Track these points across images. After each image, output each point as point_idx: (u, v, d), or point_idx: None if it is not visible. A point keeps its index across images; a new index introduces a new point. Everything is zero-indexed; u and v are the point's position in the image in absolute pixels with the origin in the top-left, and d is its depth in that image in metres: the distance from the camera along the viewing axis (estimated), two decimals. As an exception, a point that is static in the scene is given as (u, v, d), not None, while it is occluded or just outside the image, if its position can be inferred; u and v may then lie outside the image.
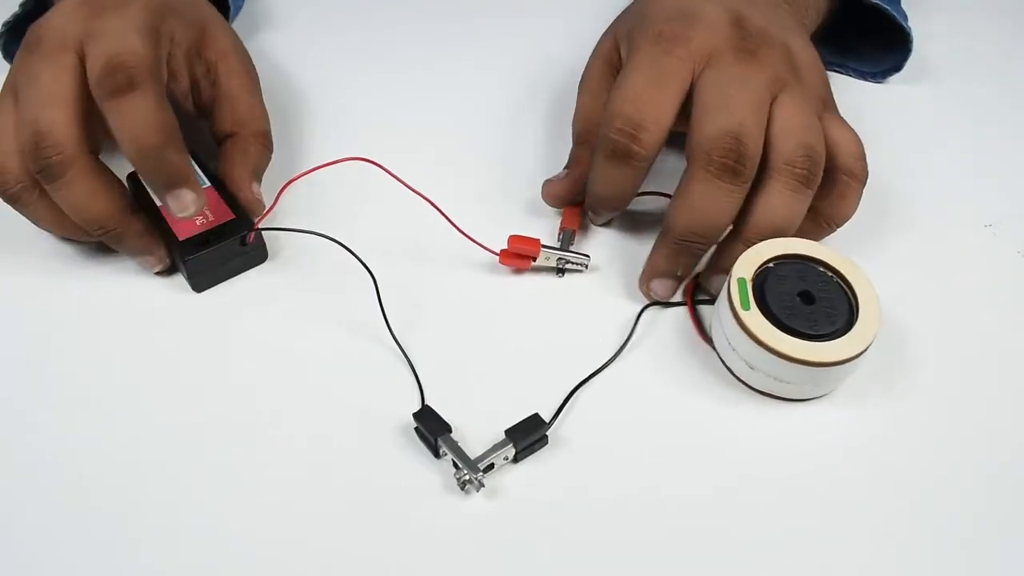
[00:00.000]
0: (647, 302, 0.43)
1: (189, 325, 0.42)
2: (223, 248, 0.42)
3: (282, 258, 0.45)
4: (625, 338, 0.41)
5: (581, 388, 0.39)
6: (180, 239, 0.42)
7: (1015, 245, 0.46)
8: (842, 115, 0.44)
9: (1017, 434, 0.39)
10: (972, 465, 0.38)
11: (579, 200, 0.46)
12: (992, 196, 0.49)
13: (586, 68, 0.47)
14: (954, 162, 0.51)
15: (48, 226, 0.41)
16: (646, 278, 0.43)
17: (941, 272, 0.45)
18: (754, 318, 0.37)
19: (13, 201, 0.40)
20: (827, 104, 0.44)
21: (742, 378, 0.39)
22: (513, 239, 0.42)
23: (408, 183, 0.43)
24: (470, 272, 0.44)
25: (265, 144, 0.47)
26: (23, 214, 0.41)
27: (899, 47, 0.55)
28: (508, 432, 0.36)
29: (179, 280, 0.43)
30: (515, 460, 0.37)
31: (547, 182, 0.46)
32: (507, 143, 0.50)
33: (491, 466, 0.36)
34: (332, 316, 0.42)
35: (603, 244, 0.46)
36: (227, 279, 0.44)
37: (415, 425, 0.37)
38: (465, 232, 0.42)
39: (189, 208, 0.39)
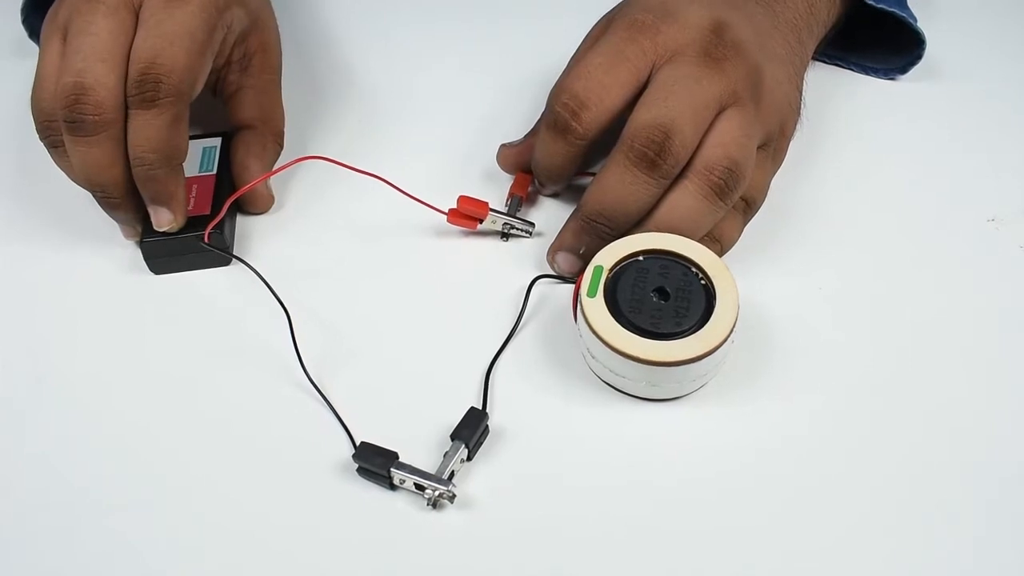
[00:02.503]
0: (539, 275, 0.42)
1: (127, 305, 0.42)
2: (179, 241, 0.42)
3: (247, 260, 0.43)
4: (519, 312, 0.41)
5: (495, 366, 0.39)
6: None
7: (1017, 240, 0.45)
8: (781, 162, 0.44)
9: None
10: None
11: (528, 168, 0.46)
12: (996, 191, 0.47)
13: (577, 48, 0.47)
14: (958, 158, 0.49)
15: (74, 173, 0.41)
16: (552, 250, 0.43)
17: (941, 265, 0.44)
18: (594, 306, 0.37)
19: (53, 147, 0.41)
20: (771, 142, 0.42)
21: (589, 365, 0.39)
22: (462, 199, 0.43)
23: (361, 169, 0.43)
24: (417, 234, 0.45)
25: (280, 144, 0.47)
26: (55, 159, 0.41)
27: (908, 50, 0.51)
28: (455, 434, 0.36)
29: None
30: (469, 459, 0.37)
31: (503, 146, 0.47)
32: (479, 136, 0.50)
33: (452, 473, 0.35)
34: (260, 341, 0.40)
35: (550, 214, 0.46)
36: (187, 270, 0.43)
37: (357, 466, 0.36)
38: (414, 196, 0.43)
39: (163, 226, 0.41)
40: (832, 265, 0.43)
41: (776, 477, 0.36)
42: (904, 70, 0.52)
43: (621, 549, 0.34)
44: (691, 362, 0.35)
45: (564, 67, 0.45)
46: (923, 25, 0.50)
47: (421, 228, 0.45)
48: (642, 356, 0.35)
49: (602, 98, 0.40)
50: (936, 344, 0.40)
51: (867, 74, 0.53)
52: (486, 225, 0.44)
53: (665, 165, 0.38)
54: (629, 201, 0.39)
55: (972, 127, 0.50)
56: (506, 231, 0.45)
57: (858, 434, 0.37)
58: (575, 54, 0.45)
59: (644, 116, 0.39)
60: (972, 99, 0.52)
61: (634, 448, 0.37)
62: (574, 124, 0.40)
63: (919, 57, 0.51)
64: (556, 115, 0.41)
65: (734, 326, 0.36)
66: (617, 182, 0.39)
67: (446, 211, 0.43)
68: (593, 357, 0.38)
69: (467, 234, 0.45)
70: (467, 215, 0.44)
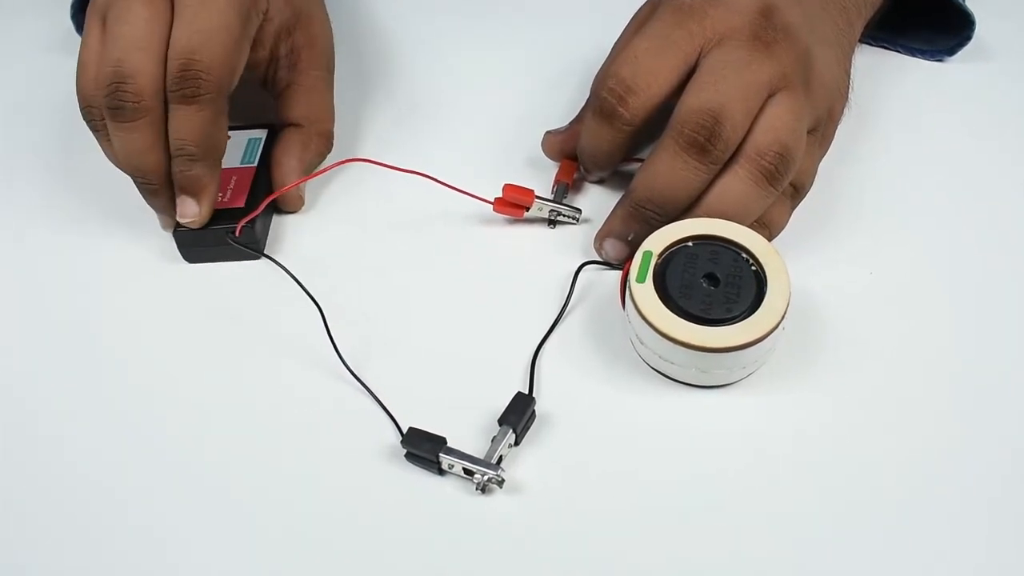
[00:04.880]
0: (586, 261, 0.42)
1: (162, 292, 0.42)
2: (210, 232, 0.41)
3: (279, 256, 0.42)
4: (565, 298, 0.40)
5: (541, 351, 0.39)
6: None
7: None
8: (829, 146, 0.43)
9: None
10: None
11: (573, 155, 0.45)
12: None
13: (622, 31, 0.46)
14: (1010, 140, 0.47)
15: (116, 157, 0.41)
16: (600, 236, 0.42)
17: (995, 249, 0.42)
18: (644, 291, 0.36)
19: (96, 131, 0.41)
20: (820, 126, 0.41)
21: (637, 351, 0.38)
22: (508, 187, 0.43)
23: (404, 168, 0.42)
24: (463, 224, 0.44)
25: (327, 144, 0.46)
26: (99, 142, 0.42)
27: (956, 31, 0.50)
28: (502, 419, 0.35)
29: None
30: (516, 444, 0.36)
31: (548, 133, 0.46)
32: (521, 125, 0.49)
33: (500, 458, 0.35)
34: (297, 333, 0.40)
35: (597, 200, 0.45)
36: (220, 261, 0.43)
37: (406, 451, 0.35)
38: (458, 187, 0.42)
39: (186, 217, 0.41)
40: (883, 250, 0.42)
41: (825, 465, 0.35)
42: (952, 52, 0.50)
43: (668, 534, 0.34)
44: (742, 348, 0.34)
45: (607, 54, 0.44)
46: (971, 4, 0.48)
47: (467, 218, 0.44)
48: (692, 342, 0.35)
49: (649, 83, 0.39)
50: (992, 331, 0.39)
51: (914, 56, 0.51)
52: (532, 212, 0.43)
53: (715, 150, 0.37)
54: (679, 187, 0.39)
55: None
56: (553, 218, 0.44)
57: (910, 424, 0.36)
58: (619, 39, 0.44)
59: (693, 101, 0.38)
60: (1022, 79, 0.50)
61: (682, 434, 0.36)
62: (621, 110, 0.39)
63: (968, 38, 0.49)
64: (602, 101, 0.40)
65: (786, 312, 0.35)
66: (667, 168, 0.38)
67: (491, 200, 0.43)
68: (642, 343, 0.37)
69: (513, 222, 0.44)
70: (513, 203, 0.43)
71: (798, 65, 0.39)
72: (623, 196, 0.41)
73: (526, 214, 0.43)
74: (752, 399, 0.37)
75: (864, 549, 0.33)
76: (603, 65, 0.43)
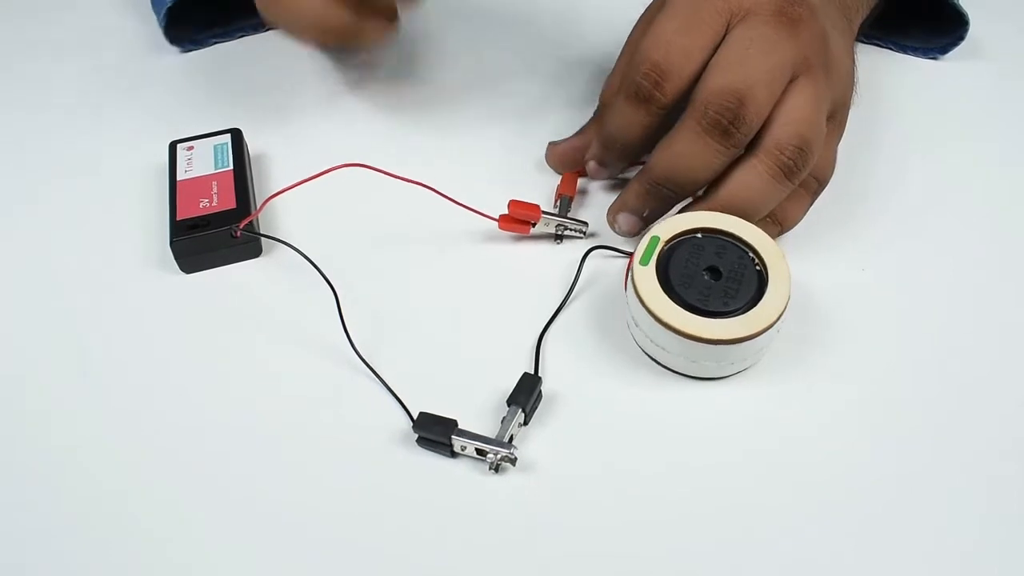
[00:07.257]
0: (594, 246, 0.42)
1: (162, 306, 0.41)
2: (210, 237, 0.41)
3: (278, 253, 0.43)
4: (572, 282, 0.41)
5: (545, 335, 0.39)
6: (178, 219, 0.41)
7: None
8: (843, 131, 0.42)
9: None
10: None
11: (578, 167, 0.45)
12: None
13: (631, 32, 0.44)
14: (1003, 138, 0.47)
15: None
16: (614, 210, 0.41)
17: (989, 247, 0.42)
18: (645, 274, 0.36)
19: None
20: (837, 112, 0.41)
21: (631, 333, 0.38)
22: (513, 204, 0.41)
23: (403, 176, 0.41)
24: (466, 241, 0.43)
25: None
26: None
27: (950, 30, 0.50)
28: (511, 399, 0.35)
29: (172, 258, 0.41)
30: (525, 423, 0.36)
31: (551, 144, 0.46)
32: (518, 136, 0.49)
33: (512, 437, 0.35)
34: (302, 327, 0.40)
35: (601, 213, 0.43)
36: (218, 266, 0.42)
37: (417, 436, 0.35)
38: (463, 203, 0.41)
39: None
40: (877, 248, 0.42)
41: (819, 463, 0.35)
42: (945, 50, 0.50)
43: (678, 505, 0.34)
44: (731, 343, 0.34)
45: (602, 53, 0.45)
46: (965, 4, 0.48)
47: (471, 234, 0.43)
48: (682, 328, 0.35)
49: (683, 66, 0.38)
50: (990, 330, 0.39)
51: (908, 54, 0.51)
52: (538, 228, 0.42)
53: (738, 134, 0.37)
54: (699, 168, 0.38)
55: (1018, 106, 0.49)
56: (560, 232, 0.43)
57: (907, 422, 0.36)
58: (644, 14, 0.43)
59: (719, 81, 0.37)
60: (1016, 78, 0.50)
61: (683, 418, 0.36)
62: (658, 94, 0.38)
63: (961, 38, 0.49)
64: (638, 86, 0.38)
65: (781, 315, 0.35)
66: (688, 149, 0.38)
67: (496, 217, 0.42)
68: (636, 325, 0.37)
69: (519, 239, 0.43)
70: (519, 219, 0.42)
71: (820, 45, 0.38)
72: (640, 172, 0.40)
73: (532, 230, 0.42)
74: (756, 390, 0.37)
75: (859, 544, 0.33)
76: (622, 54, 0.43)
